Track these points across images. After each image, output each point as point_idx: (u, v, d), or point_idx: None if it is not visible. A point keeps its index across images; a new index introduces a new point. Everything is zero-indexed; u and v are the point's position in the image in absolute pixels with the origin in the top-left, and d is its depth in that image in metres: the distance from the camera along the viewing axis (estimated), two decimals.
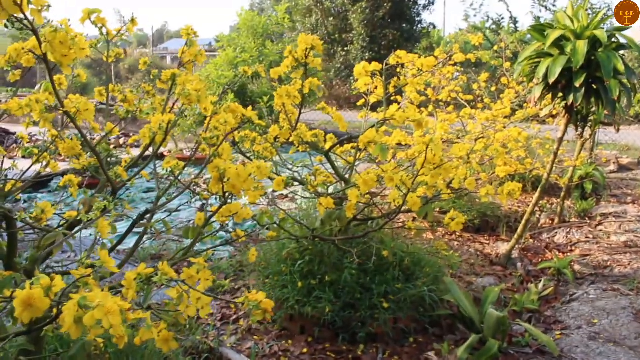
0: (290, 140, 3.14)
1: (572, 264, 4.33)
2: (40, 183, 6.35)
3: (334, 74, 15.78)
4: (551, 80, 3.71)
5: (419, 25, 17.73)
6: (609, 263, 4.37)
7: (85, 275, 1.15)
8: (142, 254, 4.34)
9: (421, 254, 3.42)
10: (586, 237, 5.01)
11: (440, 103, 5.28)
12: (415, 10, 17.74)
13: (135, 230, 5.07)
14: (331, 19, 17.06)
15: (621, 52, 3.88)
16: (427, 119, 2.61)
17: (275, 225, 2.96)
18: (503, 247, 4.67)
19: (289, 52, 2.72)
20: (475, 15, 19.51)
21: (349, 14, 16.67)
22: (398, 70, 3.72)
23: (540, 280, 4.04)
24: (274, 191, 6.32)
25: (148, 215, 2.16)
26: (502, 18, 16.74)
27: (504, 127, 5.31)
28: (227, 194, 2.01)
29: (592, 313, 3.47)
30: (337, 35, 16.70)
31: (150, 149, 2.14)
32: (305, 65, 2.76)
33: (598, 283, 4.00)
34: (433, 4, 18.17)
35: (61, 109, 1.64)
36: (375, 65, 3.29)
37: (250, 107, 2.27)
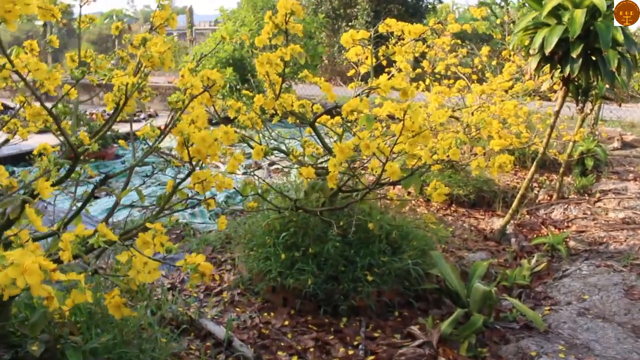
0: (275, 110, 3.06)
1: (567, 240, 4.25)
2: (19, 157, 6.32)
3: (337, 50, 15.57)
4: (547, 51, 3.59)
5: (425, 0, 17.43)
6: (604, 239, 4.29)
7: (12, 234, 1.08)
8: (130, 226, 4.29)
9: (409, 227, 3.36)
10: (584, 214, 4.92)
11: (437, 76, 5.16)
12: None
13: (126, 203, 4.98)
14: None
15: None
16: (413, 87, 2.52)
17: (258, 196, 2.91)
18: (498, 223, 4.60)
19: (268, 18, 2.63)
20: None
21: None
22: (392, 40, 3.63)
23: (534, 256, 3.97)
24: (270, 164, 6.25)
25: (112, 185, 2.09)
26: None
27: (502, 101, 5.21)
28: (195, 161, 1.95)
29: (583, 289, 3.41)
30: (341, 10, 16.42)
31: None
32: (285, 31, 2.67)
33: (592, 259, 3.92)
34: None
35: (11, 68, 1.57)
36: (363, 34, 3.19)
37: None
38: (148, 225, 1.62)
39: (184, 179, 2.08)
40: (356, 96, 3.14)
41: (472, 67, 5.82)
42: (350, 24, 15.76)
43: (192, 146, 1.84)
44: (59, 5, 1.79)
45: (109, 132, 5.81)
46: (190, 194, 2.31)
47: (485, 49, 6.33)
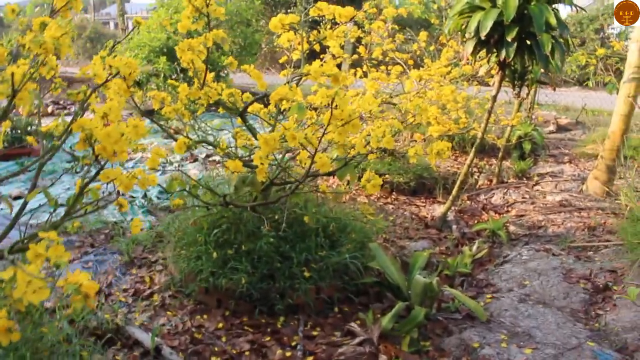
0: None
1: (507, 224, 4.25)
2: None
3: (276, 37, 15.36)
4: (483, 35, 3.54)
5: None
6: (543, 223, 4.31)
7: None
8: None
9: (348, 219, 3.24)
10: (522, 198, 4.95)
11: (373, 62, 5.06)
12: None
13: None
14: None
15: (555, 6, 3.74)
16: (350, 74, 2.38)
17: (186, 192, 2.73)
18: (439, 210, 4.56)
19: (187, 1, 2.44)
20: None
21: None
22: (327, 25, 3.49)
23: (475, 243, 3.94)
24: (206, 156, 6.03)
25: None
26: None
27: (441, 86, 5.16)
28: (103, 158, 1.75)
29: (523, 275, 3.39)
30: None
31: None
32: (207, 15, 2.48)
33: (531, 243, 3.92)
34: None
35: None
36: (292, 18, 3.03)
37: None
38: (41, 234, 1.42)
39: (92, 178, 1.88)
40: (286, 83, 2.99)
41: (410, 52, 5.73)
42: (289, 10, 15.55)
43: (96, 142, 1.65)
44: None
45: (34, 127, 5.38)
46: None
47: (423, 34, 6.27)
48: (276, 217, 3.04)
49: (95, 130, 1.63)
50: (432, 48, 6.07)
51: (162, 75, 8.09)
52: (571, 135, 7.81)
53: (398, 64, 5.34)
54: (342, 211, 3.39)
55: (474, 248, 3.81)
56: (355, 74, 5.21)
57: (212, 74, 3.23)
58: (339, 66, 5.30)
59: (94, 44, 23.65)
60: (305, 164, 2.13)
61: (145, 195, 4.58)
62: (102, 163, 1.77)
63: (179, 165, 5.53)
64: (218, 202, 2.76)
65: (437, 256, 3.78)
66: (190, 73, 2.94)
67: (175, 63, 8.31)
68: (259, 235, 2.93)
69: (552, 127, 7.96)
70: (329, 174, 2.86)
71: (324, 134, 2.01)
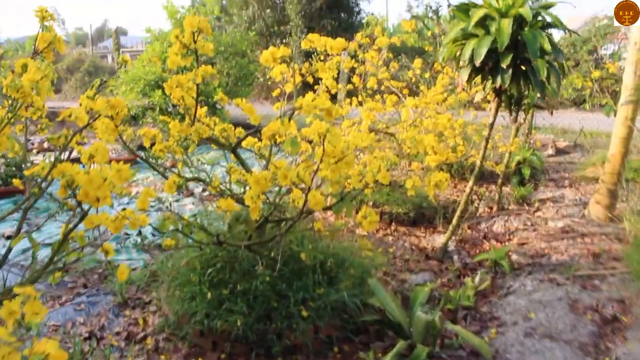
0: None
1: (510, 253, 4.15)
2: None
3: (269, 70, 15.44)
4: (477, 62, 3.49)
5: (358, 16, 17.55)
6: (546, 251, 4.21)
7: None
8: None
9: (346, 254, 3.16)
10: (524, 225, 4.86)
11: (368, 91, 5.02)
12: (354, 1, 17.56)
13: (48, 241, 4.59)
14: (268, 10, 16.65)
15: (550, 31, 3.71)
16: (337, 107, 2.33)
17: (178, 232, 2.65)
18: (439, 240, 4.47)
19: (175, 37, 2.40)
20: (417, 7, 19.45)
21: (286, 5, 16.32)
22: (320, 57, 3.46)
23: (477, 274, 3.84)
24: (202, 190, 5.95)
25: None
26: (440, 6, 16.74)
27: (438, 113, 5.13)
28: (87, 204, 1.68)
29: (528, 306, 3.28)
30: (275, 28, 16.32)
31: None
32: (195, 52, 2.44)
33: (535, 273, 3.82)
34: None
35: None
36: (284, 51, 2.99)
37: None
38: (16, 290, 1.34)
39: (77, 224, 1.81)
40: (278, 118, 2.93)
41: (404, 80, 5.71)
42: (284, 40, 15.66)
43: (77, 188, 1.59)
44: None
45: (28, 163, 5.33)
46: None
47: (417, 62, 6.25)
48: (272, 254, 2.96)
49: (77, 175, 1.56)
50: (427, 75, 6.04)
51: (158, 108, 8.07)
52: (570, 158, 7.75)
53: (393, 92, 5.31)
54: (340, 246, 3.31)
55: (477, 279, 3.71)
56: (350, 103, 5.18)
57: (206, 107, 3.18)
58: (334, 96, 5.27)
59: (92, 77, 23.82)
60: (298, 202, 2.05)
61: (139, 233, 4.50)
62: (86, 208, 1.70)
63: (171, 203, 5.45)
64: (211, 242, 2.68)
65: (439, 289, 3.68)
66: (180, 110, 2.90)
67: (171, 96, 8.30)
68: (254, 274, 2.84)
69: (550, 151, 7.91)
70: (326, 208, 2.79)
71: (316, 171, 1.93)
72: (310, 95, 2.77)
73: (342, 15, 17.04)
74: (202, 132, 2.73)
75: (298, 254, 2.94)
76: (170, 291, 3.08)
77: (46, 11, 1.96)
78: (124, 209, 1.75)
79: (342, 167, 1.91)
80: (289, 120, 2.88)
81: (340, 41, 2.77)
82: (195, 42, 2.38)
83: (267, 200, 2.55)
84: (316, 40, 3.03)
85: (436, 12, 16.60)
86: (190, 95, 2.65)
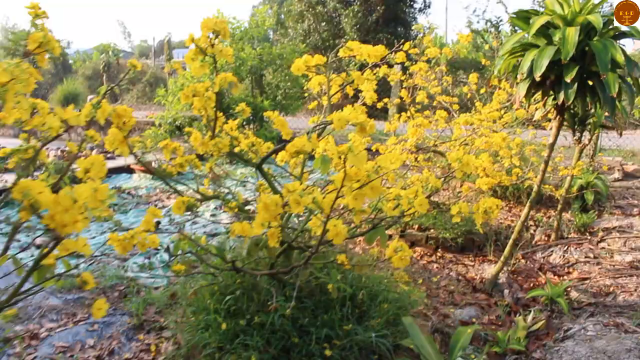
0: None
1: (568, 290, 3.71)
2: None
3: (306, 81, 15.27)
4: (537, 75, 3.10)
5: (416, 30, 17.13)
6: (611, 289, 3.75)
7: None
8: (69, 281, 3.74)
9: (379, 287, 2.82)
10: (586, 257, 4.38)
11: (417, 106, 4.68)
12: (410, 14, 17.19)
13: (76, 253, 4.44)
14: (324, 24, 16.49)
15: (622, 41, 3.29)
16: (372, 122, 2.02)
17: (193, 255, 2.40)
18: (489, 270, 4.06)
19: (190, 40, 2.15)
20: (478, 22, 18.84)
21: (342, 18, 16.12)
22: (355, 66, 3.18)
23: (530, 311, 3.43)
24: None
25: None
26: (501, 20, 16.15)
27: (494, 132, 4.75)
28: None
29: (589, 356, 2.85)
30: (330, 41, 16.13)
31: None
32: (213, 57, 2.19)
33: (598, 315, 3.37)
34: (429, 7, 17.57)
35: None
36: (319, 59, 2.72)
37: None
38: None
39: (51, 250, 1.57)
40: (308, 133, 2.65)
41: (454, 95, 5.32)
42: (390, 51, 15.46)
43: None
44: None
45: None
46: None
47: (473, 76, 5.87)
48: (298, 282, 2.66)
49: (40, 196, 1.31)
50: (482, 90, 5.64)
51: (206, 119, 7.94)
52: (639, 183, 7.12)
53: (445, 108, 4.95)
54: (374, 275, 2.98)
55: (529, 318, 3.30)
56: (399, 119, 4.85)
57: (254, 121, 2.96)
58: (386, 110, 4.95)
59: (152, 87, 24.42)
60: (315, 232, 1.75)
61: (168, 249, 4.29)
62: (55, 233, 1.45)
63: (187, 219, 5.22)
64: (225, 268, 2.41)
65: (486, 327, 3.29)
66: (203, 121, 2.67)
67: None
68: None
69: (617, 175, 7.30)
70: (355, 235, 2.48)
71: (336, 197, 1.63)
72: (347, 108, 2.47)
73: (399, 29, 16.70)
74: (222, 147, 2.47)
75: (325, 284, 2.63)
76: (186, 317, 2.83)
77: (39, 8, 1.74)
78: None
79: (367, 193, 1.60)
80: (319, 135, 2.60)
81: (379, 48, 2.47)
82: (212, 46, 2.13)
83: (289, 225, 2.26)
84: (356, 49, 2.74)
85: (496, 26, 16.05)
86: (210, 106, 2.40)
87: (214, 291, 2.70)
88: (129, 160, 7.64)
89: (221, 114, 2.78)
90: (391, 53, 2.55)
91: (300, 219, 3.02)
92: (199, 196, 2.73)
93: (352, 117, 2.09)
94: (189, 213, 5.42)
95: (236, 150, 2.88)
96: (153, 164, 7.27)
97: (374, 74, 2.93)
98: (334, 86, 2.99)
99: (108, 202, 1.64)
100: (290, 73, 9.82)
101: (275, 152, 2.79)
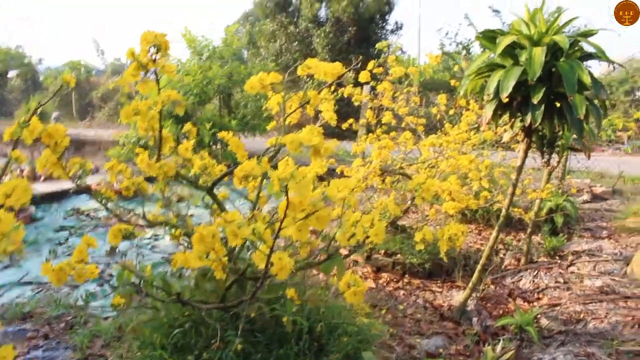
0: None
1: (538, 317, 3.58)
2: None
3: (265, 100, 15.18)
4: (504, 97, 3.01)
5: (388, 50, 17.20)
6: (582, 315, 3.64)
7: None
8: (11, 311, 3.50)
9: (339, 319, 2.65)
10: (556, 282, 4.28)
11: (383, 127, 4.56)
12: (382, 35, 17.26)
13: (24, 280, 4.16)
14: (295, 44, 16.44)
15: (588, 62, 3.22)
16: (329, 144, 1.88)
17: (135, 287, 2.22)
18: (457, 297, 3.92)
19: (131, 55, 1.98)
20: (450, 45, 19.04)
21: (314, 39, 16.10)
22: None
23: (499, 340, 3.29)
24: None
25: None
26: (472, 42, 16.33)
27: (463, 154, 4.66)
28: None
29: None
30: (301, 61, 16.04)
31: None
32: (155, 74, 2.03)
33: (569, 344, 3.25)
34: (401, 28, 17.67)
35: None
36: (274, 77, 2.58)
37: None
38: None
39: None
40: (258, 157, 2.50)
41: (420, 116, 5.22)
42: (348, 70, 15.40)
43: None
44: None
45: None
46: None
47: (442, 97, 5.79)
48: (252, 314, 2.47)
49: None
50: (451, 112, 5.57)
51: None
52: (608, 206, 7.12)
53: (412, 129, 4.86)
54: (336, 305, 2.81)
55: (498, 348, 3.15)
56: (366, 139, 4.72)
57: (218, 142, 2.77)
58: (342, 131, 4.82)
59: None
60: (258, 265, 1.59)
61: (109, 281, 4.06)
62: None
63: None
64: (170, 301, 2.22)
65: (453, 357, 3.14)
66: (151, 141, 2.50)
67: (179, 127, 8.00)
68: (224, 340, 2.36)
69: (586, 196, 7.30)
70: (310, 265, 2.32)
71: (279, 229, 1.47)
72: (306, 129, 2.32)
73: (371, 50, 16.72)
74: (167, 170, 2.30)
75: (280, 317, 2.45)
76: (131, 352, 2.62)
77: None
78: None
79: (313, 224, 1.44)
80: (271, 159, 2.45)
81: (335, 66, 2.33)
82: (154, 61, 1.97)
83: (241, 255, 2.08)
84: (313, 66, 2.60)
85: (467, 48, 16.21)
86: (154, 126, 2.23)
87: (162, 324, 2.50)
88: (90, 181, 7.40)
89: (170, 134, 2.61)
90: (349, 71, 2.40)
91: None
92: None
93: (306, 139, 1.94)
94: (149, 237, 5.14)
95: (192, 172, 2.72)
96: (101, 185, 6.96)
97: (335, 93, 2.79)
98: (293, 105, 2.85)
99: (21, 235, 1.48)
100: (260, 93, 9.69)
101: (227, 175, 2.63)
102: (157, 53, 1.94)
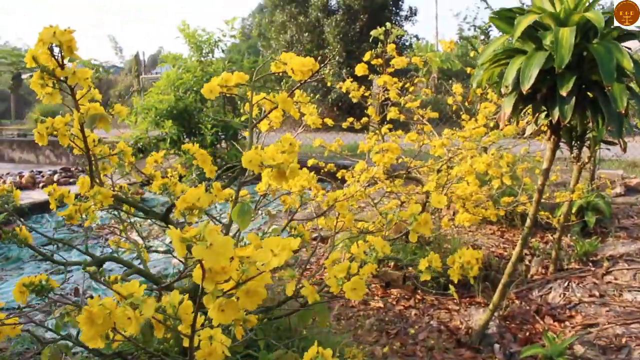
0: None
1: (572, 346, 3.08)
2: None
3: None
4: (525, 88, 2.49)
5: (402, 38, 16.61)
6: (624, 340, 3.12)
7: None
8: None
9: None
10: (590, 295, 3.76)
11: (388, 125, 4.06)
12: (396, 22, 16.63)
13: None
14: (307, 34, 15.90)
15: (628, 43, 2.68)
16: (294, 165, 1.44)
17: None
18: (477, 317, 3.43)
19: (31, 59, 1.52)
20: (469, 30, 18.33)
21: (325, 28, 15.54)
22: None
23: None
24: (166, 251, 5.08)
25: None
26: (490, 26, 15.62)
27: (483, 149, 4.17)
28: None
29: None
30: (314, 52, 15.56)
31: None
32: (65, 81, 1.57)
33: None
34: (416, 14, 17.02)
35: None
36: (240, 77, 2.12)
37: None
38: None
39: None
40: (214, 178, 2.06)
41: (446, 110, 4.72)
42: (322, 65, 14.89)
43: None
44: None
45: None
46: None
47: (457, 87, 5.27)
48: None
49: None
50: (466, 103, 5.03)
51: (169, 139, 7.34)
52: None
53: (424, 123, 4.36)
54: (330, 341, 2.36)
55: None
56: (372, 138, 4.24)
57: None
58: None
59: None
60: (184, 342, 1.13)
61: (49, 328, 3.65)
62: None
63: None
64: (112, 355, 1.80)
65: None
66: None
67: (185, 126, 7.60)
68: None
69: (619, 189, 6.69)
70: (291, 313, 1.87)
71: (198, 307, 1.01)
72: (286, 137, 1.85)
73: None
74: (102, 199, 1.85)
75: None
76: None
77: None
78: None
79: (242, 303, 0.97)
80: (227, 186, 2.00)
81: (307, 62, 1.87)
82: (61, 66, 1.50)
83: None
84: (289, 61, 2.13)
85: (486, 33, 15.54)
86: (81, 145, 1.78)
87: None
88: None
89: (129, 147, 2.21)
90: (323, 67, 1.92)
91: None
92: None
93: (266, 158, 1.49)
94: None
95: (153, 188, 2.29)
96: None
97: (307, 93, 2.32)
98: (266, 108, 2.38)
99: None
100: (264, 87, 9.23)
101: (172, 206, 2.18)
102: (63, 55, 1.48)
